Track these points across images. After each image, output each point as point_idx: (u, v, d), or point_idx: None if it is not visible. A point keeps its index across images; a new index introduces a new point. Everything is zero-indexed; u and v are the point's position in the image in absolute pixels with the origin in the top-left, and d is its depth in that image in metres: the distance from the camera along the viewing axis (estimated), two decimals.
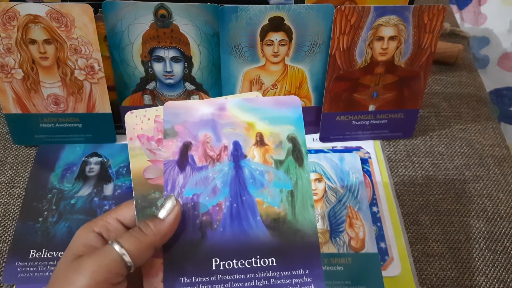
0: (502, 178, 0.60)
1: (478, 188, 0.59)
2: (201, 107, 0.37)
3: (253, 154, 0.36)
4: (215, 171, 0.35)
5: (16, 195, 0.56)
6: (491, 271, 0.52)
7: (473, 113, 0.68)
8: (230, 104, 0.37)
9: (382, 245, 0.52)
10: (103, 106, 0.57)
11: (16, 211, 0.54)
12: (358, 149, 0.62)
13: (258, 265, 0.34)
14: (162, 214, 0.33)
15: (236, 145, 0.36)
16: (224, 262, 0.34)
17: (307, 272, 0.34)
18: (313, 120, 0.61)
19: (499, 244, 0.54)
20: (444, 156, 0.62)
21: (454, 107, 0.68)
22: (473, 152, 0.63)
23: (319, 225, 0.53)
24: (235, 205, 0.35)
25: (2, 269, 0.50)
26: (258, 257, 0.34)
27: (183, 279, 0.33)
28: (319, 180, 0.57)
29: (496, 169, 0.61)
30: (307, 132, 0.62)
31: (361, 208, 0.55)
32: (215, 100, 0.37)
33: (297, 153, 0.36)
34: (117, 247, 0.30)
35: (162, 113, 0.36)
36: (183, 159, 0.35)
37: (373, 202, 0.56)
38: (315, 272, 0.34)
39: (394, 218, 0.55)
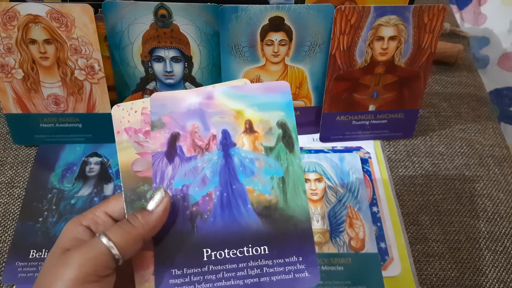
0: (502, 178, 0.60)
1: (478, 188, 0.59)
2: (188, 97, 0.36)
3: (243, 142, 0.36)
4: (204, 161, 0.35)
5: (16, 195, 0.56)
6: (491, 271, 0.52)
7: (473, 113, 0.68)
8: (217, 92, 0.36)
9: (382, 245, 0.52)
10: (103, 106, 0.57)
11: (16, 211, 0.54)
12: (358, 149, 0.62)
13: (250, 254, 0.33)
14: (151, 206, 0.33)
15: (225, 133, 0.36)
16: (215, 252, 0.33)
17: (301, 259, 0.34)
18: (313, 120, 0.61)
19: (499, 244, 0.54)
20: (444, 156, 0.62)
21: (454, 107, 0.68)
22: (473, 152, 0.63)
23: (319, 225, 0.53)
24: (225, 194, 0.35)
25: (2, 269, 0.50)
26: (250, 245, 0.34)
27: (174, 271, 0.33)
28: (319, 180, 0.57)
29: (496, 169, 0.61)
30: (307, 132, 0.63)
31: (361, 208, 0.54)
32: (203, 89, 0.36)
33: (287, 139, 0.36)
34: (104, 240, 0.30)
35: (149, 105, 0.36)
36: (172, 150, 0.35)
37: (373, 202, 0.56)
38: (309, 259, 0.34)
39: (394, 218, 0.55)
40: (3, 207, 0.55)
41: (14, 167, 0.58)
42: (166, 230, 0.34)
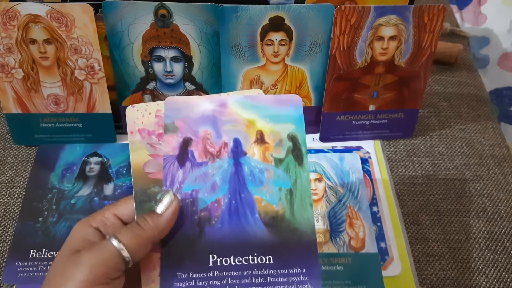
0: (502, 178, 0.60)
1: (478, 188, 0.59)
2: (202, 103, 0.37)
3: (253, 152, 0.36)
4: (214, 168, 0.35)
5: (16, 195, 0.56)
6: (491, 271, 0.52)
7: (473, 113, 0.68)
8: (231, 101, 0.37)
9: (382, 245, 0.52)
10: (103, 106, 0.57)
11: (16, 211, 0.54)
12: (358, 149, 0.62)
13: (255, 262, 0.34)
14: (160, 209, 0.33)
15: (236, 142, 0.36)
16: (221, 258, 0.34)
17: (304, 271, 0.34)
18: (313, 120, 0.61)
19: (499, 244, 0.54)
20: (444, 156, 0.62)
21: (454, 107, 0.68)
22: (473, 152, 0.63)
23: (319, 225, 0.53)
24: (233, 202, 0.35)
25: (2, 269, 0.50)
26: (255, 254, 0.34)
27: (180, 274, 0.33)
28: (319, 180, 0.57)
29: (496, 169, 0.61)
30: (307, 132, 0.62)
31: (361, 208, 0.55)
32: (216, 97, 0.37)
33: (297, 152, 0.36)
34: (115, 242, 0.30)
35: (163, 108, 0.36)
36: (183, 155, 0.35)
37: (373, 202, 0.56)
38: (312, 271, 0.34)
39: (394, 218, 0.55)
40: (3, 207, 0.55)
41: (14, 167, 0.58)
42: (174, 233, 0.34)
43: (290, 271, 0.34)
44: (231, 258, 0.34)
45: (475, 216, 0.56)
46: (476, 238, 0.54)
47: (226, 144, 0.36)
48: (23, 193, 0.56)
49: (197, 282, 0.33)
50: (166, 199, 0.33)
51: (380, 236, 0.53)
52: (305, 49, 0.55)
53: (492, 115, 0.68)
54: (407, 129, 0.63)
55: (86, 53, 0.53)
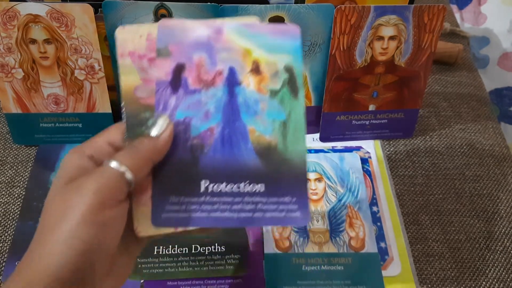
0: (502, 178, 0.60)
1: (478, 188, 0.59)
2: (197, 28, 0.35)
3: (248, 82, 0.35)
4: (208, 96, 0.35)
5: (16, 195, 0.56)
6: (491, 271, 0.52)
7: (473, 113, 0.68)
8: (227, 28, 0.35)
9: (382, 245, 0.52)
10: (103, 106, 0.57)
11: (16, 211, 0.54)
12: (358, 148, 0.62)
13: (247, 189, 0.34)
14: (155, 132, 0.32)
15: (232, 71, 0.35)
16: (213, 184, 0.34)
17: (294, 199, 0.34)
18: (313, 120, 0.61)
19: (499, 244, 0.54)
20: (444, 156, 0.62)
21: (454, 107, 0.68)
22: (473, 152, 0.63)
23: (319, 225, 0.53)
24: (226, 131, 0.34)
25: (2, 269, 0.50)
26: (247, 182, 0.34)
27: (171, 198, 0.33)
28: (319, 179, 0.57)
29: (496, 169, 0.61)
30: (307, 132, 0.62)
31: (361, 208, 0.55)
32: (212, 22, 0.35)
33: (292, 84, 0.35)
34: (116, 165, 0.30)
35: (155, 31, 0.35)
36: (176, 81, 0.34)
37: (373, 202, 0.56)
38: (301, 201, 0.34)
39: (394, 218, 0.55)
40: (3, 207, 0.55)
41: (14, 167, 0.58)
42: (167, 159, 0.33)
43: (280, 199, 0.34)
44: (223, 184, 0.34)
45: (475, 216, 0.56)
46: (476, 238, 0.54)
47: (220, 72, 0.35)
48: (23, 193, 0.56)
49: (187, 206, 0.33)
50: (161, 122, 0.33)
51: (380, 236, 0.53)
52: (305, 49, 0.55)
53: (492, 115, 0.68)
54: (407, 129, 0.63)
55: (86, 53, 0.53)
